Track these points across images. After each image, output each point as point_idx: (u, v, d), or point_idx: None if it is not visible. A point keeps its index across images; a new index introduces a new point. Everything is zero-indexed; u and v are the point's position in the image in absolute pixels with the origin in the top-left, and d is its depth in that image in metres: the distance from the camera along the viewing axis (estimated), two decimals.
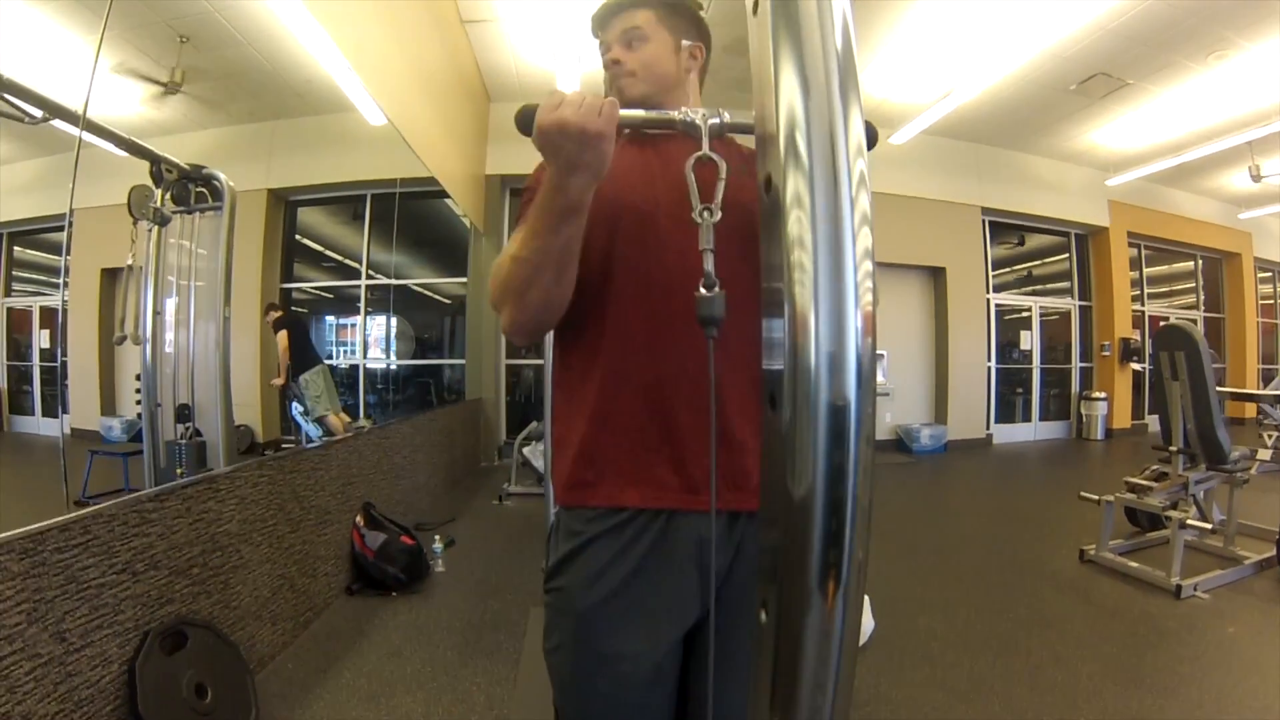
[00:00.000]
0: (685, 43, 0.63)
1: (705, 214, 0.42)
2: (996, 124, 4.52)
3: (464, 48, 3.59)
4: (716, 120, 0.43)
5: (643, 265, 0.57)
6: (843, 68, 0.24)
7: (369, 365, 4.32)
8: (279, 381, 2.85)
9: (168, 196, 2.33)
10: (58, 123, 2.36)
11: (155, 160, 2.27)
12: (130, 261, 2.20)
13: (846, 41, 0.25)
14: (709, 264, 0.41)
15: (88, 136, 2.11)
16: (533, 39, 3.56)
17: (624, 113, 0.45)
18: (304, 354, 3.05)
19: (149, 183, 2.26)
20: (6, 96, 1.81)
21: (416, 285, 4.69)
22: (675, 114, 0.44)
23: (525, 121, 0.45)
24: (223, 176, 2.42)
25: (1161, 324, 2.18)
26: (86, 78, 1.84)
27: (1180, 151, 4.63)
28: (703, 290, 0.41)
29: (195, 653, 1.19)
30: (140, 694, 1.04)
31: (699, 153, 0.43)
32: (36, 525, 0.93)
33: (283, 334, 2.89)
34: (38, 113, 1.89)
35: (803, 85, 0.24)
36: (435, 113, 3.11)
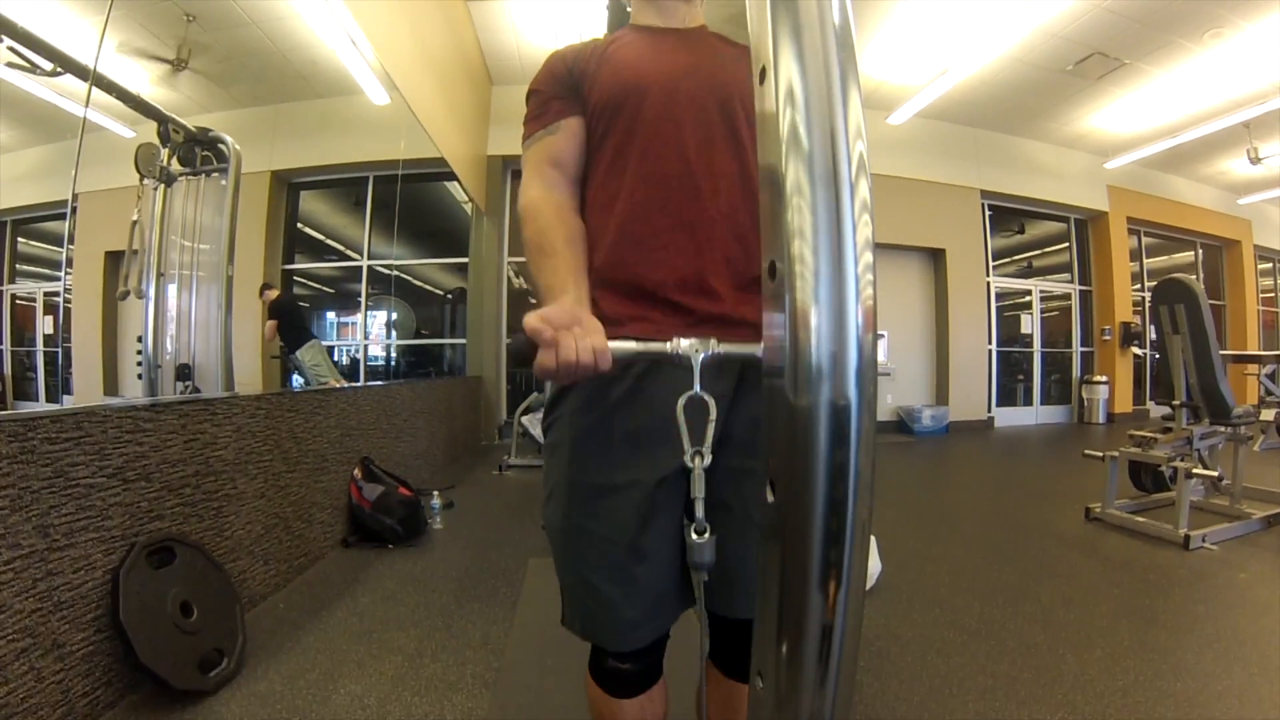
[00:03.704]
0: None
1: (697, 459, 0.39)
2: (994, 107, 4.56)
3: (466, 27, 3.64)
4: (708, 355, 0.40)
5: (648, 137, 0.59)
6: (842, 49, 0.24)
7: (371, 351, 4.32)
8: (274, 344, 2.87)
9: (174, 158, 2.35)
10: (63, 102, 2.38)
11: (162, 120, 2.29)
12: (135, 218, 2.21)
13: (845, 22, 0.24)
14: (700, 510, 0.39)
15: (93, 115, 2.14)
16: (534, 19, 3.61)
17: (615, 351, 0.43)
18: (297, 332, 3.07)
19: (156, 142, 2.28)
20: (18, 47, 1.83)
21: (418, 265, 4.70)
22: (667, 347, 0.41)
23: (520, 356, 0.43)
24: (229, 139, 2.44)
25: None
26: (93, 51, 1.86)
27: (1178, 133, 4.65)
28: (694, 536, 0.39)
29: (183, 571, 1.16)
30: (123, 603, 1.01)
31: (689, 393, 0.39)
32: (28, 410, 0.92)
33: (271, 323, 2.93)
34: (48, 64, 1.91)
35: (801, 68, 0.24)
36: (440, 92, 3.14)
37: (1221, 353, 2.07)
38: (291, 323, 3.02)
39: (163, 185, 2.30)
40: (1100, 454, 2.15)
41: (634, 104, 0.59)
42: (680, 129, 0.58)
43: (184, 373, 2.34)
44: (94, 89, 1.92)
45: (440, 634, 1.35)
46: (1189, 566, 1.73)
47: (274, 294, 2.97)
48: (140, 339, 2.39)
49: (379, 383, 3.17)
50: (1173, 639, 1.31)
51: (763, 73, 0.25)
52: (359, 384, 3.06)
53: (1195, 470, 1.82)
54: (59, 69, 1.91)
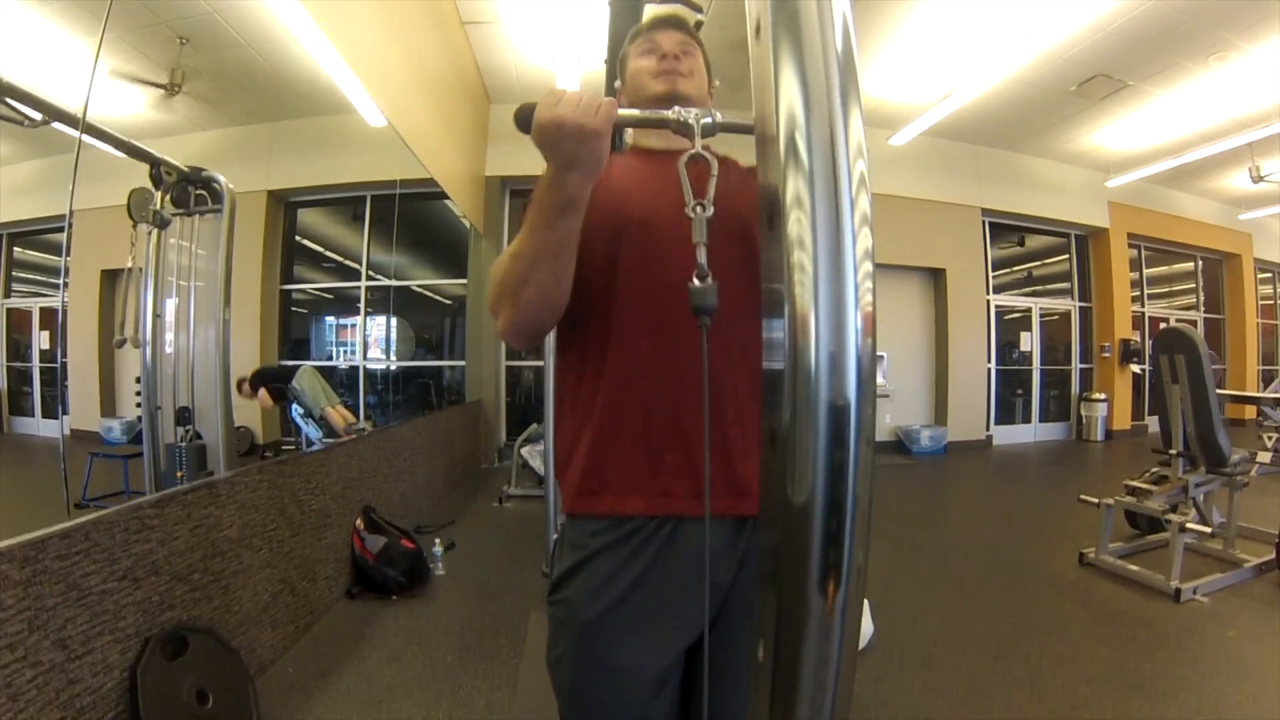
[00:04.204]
0: (715, 83, 0.71)
1: (698, 209, 0.42)
2: (997, 125, 4.52)
3: (464, 49, 3.59)
4: (709, 120, 0.43)
5: (645, 277, 0.57)
6: (843, 69, 0.24)
7: (369, 367, 4.33)
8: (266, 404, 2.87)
9: (167, 199, 2.33)
10: (58, 124, 2.36)
11: (154, 163, 2.27)
12: (130, 264, 2.20)
13: (847, 43, 0.25)
14: (702, 256, 0.41)
15: (87, 139, 2.12)
16: (533, 40, 3.56)
17: (621, 112, 0.46)
18: (283, 373, 3.07)
19: (149, 185, 2.26)
20: (6, 100, 1.81)
21: (417, 286, 4.69)
22: (669, 113, 0.44)
23: (524, 119, 0.46)
24: (222, 179, 2.42)
25: (1161, 326, 2.17)
26: (86, 80, 1.84)
27: (1180, 153, 4.62)
28: (695, 281, 0.40)
29: (196, 659, 1.19)
30: (142, 700, 1.04)
31: (691, 150, 0.43)
32: (38, 533, 0.94)
33: (262, 392, 2.92)
34: (37, 115, 1.89)
35: (803, 86, 0.24)
36: (435, 114, 3.10)
37: (1220, 393, 2.09)
38: (277, 379, 3.02)
39: (156, 229, 2.28)
40: (1096, 501, 2.18)
41: (633, 237, 0.58)
42: (684, 266, 0.56)
43: (184, 417, 2.35)
44: (91, 92, 1.88)
45: (446, 701, 1.39)
46: (1178, 621, 1.77)
47: (245, 381, 2.95)
48: (139, 379, 2.39)
49: (379, 425, 3.17)
50: (1156, 708, 1.35)
51: (764, 92, 0.25)
52: (361, 426, 3.07)
53: (1189, 525, 1.85)
54: (47, 119, 1.89)
